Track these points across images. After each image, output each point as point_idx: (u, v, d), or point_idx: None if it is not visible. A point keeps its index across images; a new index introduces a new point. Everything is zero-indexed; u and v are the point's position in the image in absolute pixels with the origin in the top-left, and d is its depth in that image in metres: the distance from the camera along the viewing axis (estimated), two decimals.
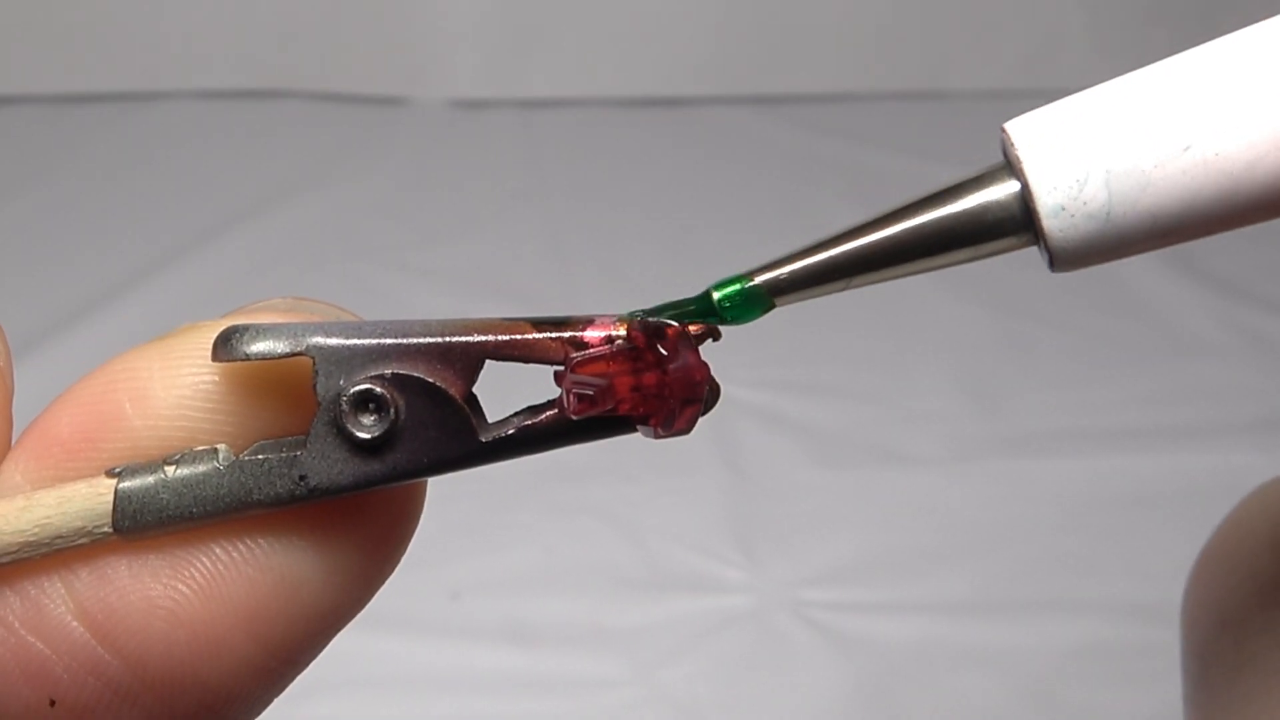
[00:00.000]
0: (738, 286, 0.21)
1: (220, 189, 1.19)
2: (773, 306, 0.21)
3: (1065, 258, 0.21)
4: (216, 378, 0.19)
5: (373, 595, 0.20)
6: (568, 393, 0.20)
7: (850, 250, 0.21)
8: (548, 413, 0.20)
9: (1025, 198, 0.21)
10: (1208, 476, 0.86)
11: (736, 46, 1.33)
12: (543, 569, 0.82)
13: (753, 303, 0.21)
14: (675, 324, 0.20)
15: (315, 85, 1.31)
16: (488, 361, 0.20)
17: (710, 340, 0.21)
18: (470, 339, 0.20)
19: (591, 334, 0.20)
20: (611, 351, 0.20)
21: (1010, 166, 0.21)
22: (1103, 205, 0.20)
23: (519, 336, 0.20)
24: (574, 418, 0.20)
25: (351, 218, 1.16)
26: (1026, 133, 0.21)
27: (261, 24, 1.30)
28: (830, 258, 0.21)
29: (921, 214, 0.21)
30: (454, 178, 1.22)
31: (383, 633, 0.76)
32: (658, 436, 0.20)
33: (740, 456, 0.90)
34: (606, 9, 1.33)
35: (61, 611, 0.19)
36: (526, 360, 0.20)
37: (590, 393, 0.20)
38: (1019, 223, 0.21)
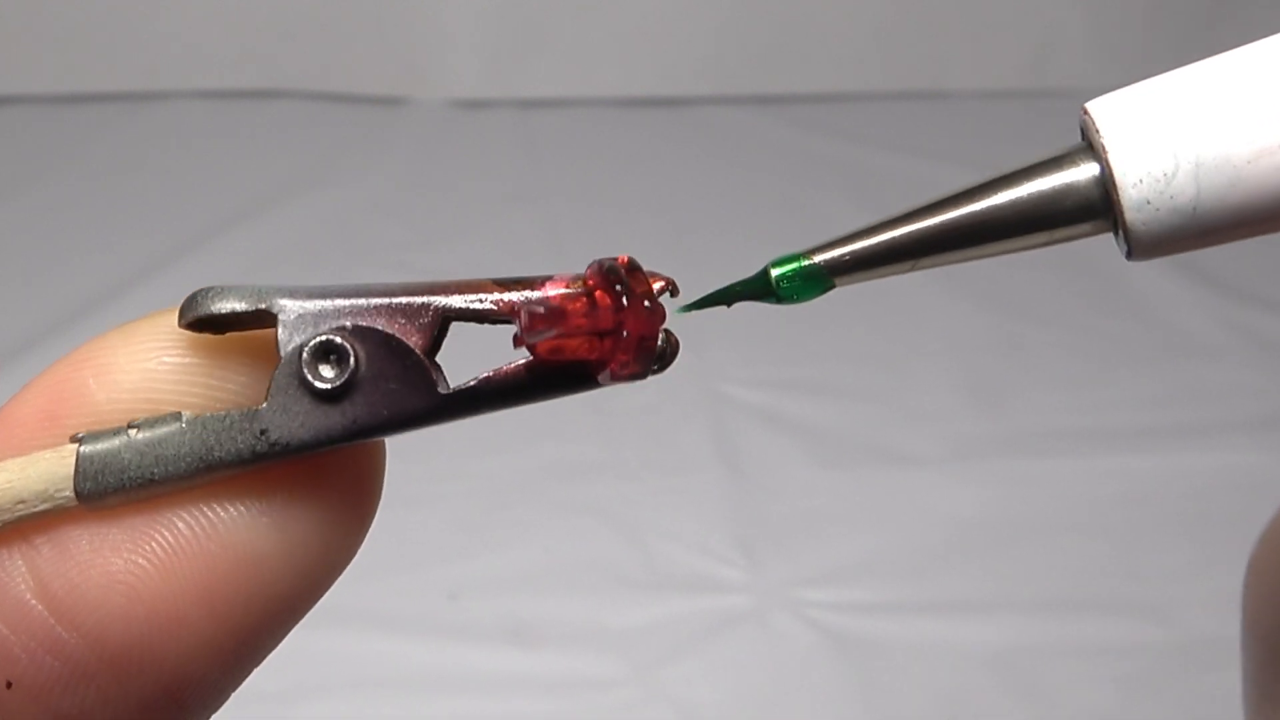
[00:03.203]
0: (796, 265, 0.20)
1: (220, 189, 1.19)
2: (832, 286, 0.21)
3: (1145, 249, 0.20)
4: (180, 350, 0.20)
5: (333, 581, 0.20)
6: (520, 312, 0.20)
7: (919, 230, 0.20)
8: (508, 366, 0.20)
9: (1106, 185, 0.19)
10: (1208, 476, 0.86)
11: (736, 46, 1.33)
12: (542, 568, 0.82)
13: (812, 282, 0.20)
14: (630, 266, 0.20)
15: (315, 85, 1.31)
16: (452, 329, 0.20)
17: (669, 295, 0.20)
18: (432, 297, 0.20)
19: (551, 290, 0.20)
20: (569, 291, 0.20)
21: (1091, 150, 0.20)
22: (1190, 200, 0.19)
23: (480, 294, 0.20)
24: (528, 339, 0.20)
25: (351, 218, 1.16)
26: (1111, 116, 0.19)
27: (261, 24, 1.30)
28: (897, 237, 0.20)
29: (996, 194, 0.20)
30: (454, 178, 1.22)
31: (381, 633, 0.76)
32: (615, 379, 0.20)
33: (740, 456, 0.90)
34: (606, 9, 1.33)
35: (21, 590, 0.19)
36: (488, 319, 0.20)
37: (542, 310, 0.20)
38: (1098, 209, 0.20)
